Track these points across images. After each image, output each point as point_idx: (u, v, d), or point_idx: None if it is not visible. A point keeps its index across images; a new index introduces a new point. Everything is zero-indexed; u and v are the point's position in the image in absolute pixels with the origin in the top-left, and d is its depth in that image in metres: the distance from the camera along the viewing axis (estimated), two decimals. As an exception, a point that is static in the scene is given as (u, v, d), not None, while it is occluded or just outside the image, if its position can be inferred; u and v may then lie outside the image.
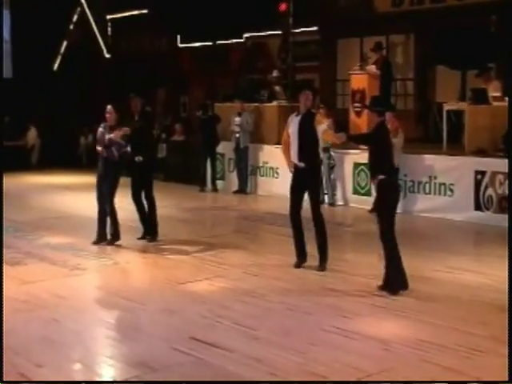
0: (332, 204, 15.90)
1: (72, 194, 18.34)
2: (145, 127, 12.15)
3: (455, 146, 14.99)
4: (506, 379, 5.70)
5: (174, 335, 7.30)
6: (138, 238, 12.08)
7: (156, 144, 12.33)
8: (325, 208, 12.67)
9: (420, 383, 6.05)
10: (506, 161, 13.05)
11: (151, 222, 12.23)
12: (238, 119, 18.25)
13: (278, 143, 17.87)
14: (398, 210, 14.39)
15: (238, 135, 18.17)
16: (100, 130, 11.83)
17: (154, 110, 26.53)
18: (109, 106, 11.83)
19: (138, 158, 11.92)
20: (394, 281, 8.91)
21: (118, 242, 11.74)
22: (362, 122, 15.95)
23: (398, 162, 14.56)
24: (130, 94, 12.15)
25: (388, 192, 9.02)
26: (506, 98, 14.90)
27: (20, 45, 28.01)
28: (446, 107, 15.61)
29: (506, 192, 13.01)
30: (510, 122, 12.66)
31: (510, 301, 6.97)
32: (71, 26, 29.87)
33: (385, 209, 9.17)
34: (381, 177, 8.94)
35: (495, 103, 14.86)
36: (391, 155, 9.09)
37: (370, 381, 6.09)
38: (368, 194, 15.34)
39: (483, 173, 13.49)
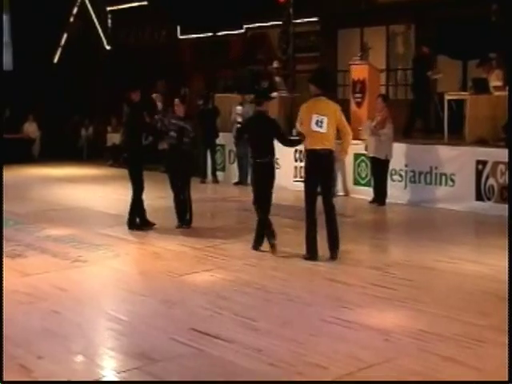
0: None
1: (73, 186, 18.34)
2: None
3: (456, 136, 14.97)
4: (506, 377, 5.67)
5: (174, 326, 7.30)
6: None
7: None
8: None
9: (420, 383, 6.02)
10: (507, 150, 13.03)
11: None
12: (239, 108, 18.22)
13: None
14: (400, 201, 14.64)
15: (239, 126, 18.13)
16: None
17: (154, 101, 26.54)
18: (176, 100, 12.62)
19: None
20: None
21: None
22: (362, 112, 15.94)
23: (386, 152, 14.63)
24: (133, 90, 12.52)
25: (267, 172, 10.51)
26: (508, 88, 14.88)
27: (20, 37, 27.98)
28: (447, 97, 15.58)
29: (508, 182, 12.98)
30: (511, 112, 12.64)
31: (511, 296, 6.95)
32: (71, 18, 29.84)
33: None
34: (259, 160, 10.46)
35: (496, 93, 14.85)
36: (265, 142, 10.46)
37: (365, 381, 6.09)
38: (369, 184, 15.33)
39: (484, 163, 13.46)
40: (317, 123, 9.77)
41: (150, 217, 12.64)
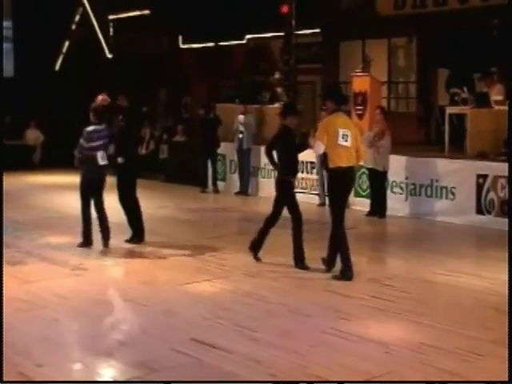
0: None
1: (72, 194, 18.20)
2: (126, 128, 12.11)
3: (457, 150, 14.97)
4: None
5: (174, 336, 7.30)
6: (126, 241, 11.89)
7: (134, 144, 12.38)
8: (325, 210, 12.64)
9: (420, 383, 6.05)
10: (508, 165, 13.07)
11: (138, 225, 12.03)
12: (242, 117, 18.21)
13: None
14: (400, 214, 14.63)
15: (241, 135, 18.12)
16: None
17: (155, 110, 26.59)
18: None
19: (120, 159, 11.91)
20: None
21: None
22: (364, 124, 15.93)
23: (384, 163, 14.60)
24: (118, 96, 12.22)
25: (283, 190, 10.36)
26: (508, 102, 14.90)
27: (22, 44, 28.02)
28: (449, 111, 15.59)
29: (508, 196, 12.99)
30: (511, 126, 12.67)
31: (510, 300, 6.97)
32: (73, 26, 29.88)
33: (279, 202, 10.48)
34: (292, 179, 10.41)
35: (497, 107, 14.87)
36: (289, 157, 10.26)
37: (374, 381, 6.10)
38: (369, 196, 15.31)
39: (485, 176, 13.47)
40: (343, 137, 9.61)
41: (150, 226, 12.58)
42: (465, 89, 16.17)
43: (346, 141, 9.64)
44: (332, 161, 9.71)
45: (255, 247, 10.63)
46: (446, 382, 6.07)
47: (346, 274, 9.59)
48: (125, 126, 12.12)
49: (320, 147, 9.82)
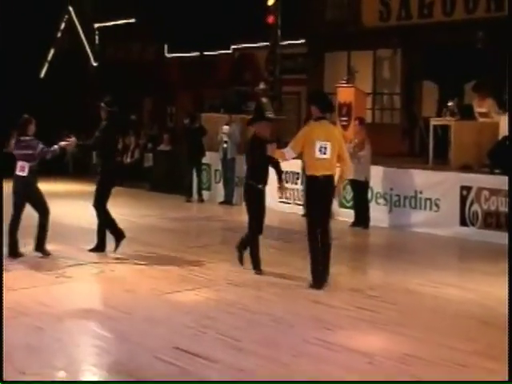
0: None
1: (57, 202, 18.17)
2: (103, 137, 11.98)
3: (441, 161, 15.05)
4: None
5: (158, 345, 7.27)
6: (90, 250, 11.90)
7: (113, 152, 12.38)
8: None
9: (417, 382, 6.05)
10: (492, 177, 13.15)
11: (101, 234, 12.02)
12: (226, 127, 18.24)
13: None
14: (384, 225, 14.65)
15: (225, 145, 18.16)
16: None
17: (140, 118, 26.58)
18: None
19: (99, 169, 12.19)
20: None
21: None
22: (348, 134, 15.96)
23: (365, 174, 14.64)
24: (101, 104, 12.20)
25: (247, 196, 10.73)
26: (493, 115, 14.98)
27: (7, 51, 27.93)
28: (433, 122, 15.66)
29: (492, 208, 13.07)
30: (511, 135, 12.76)
31: (510, 307, 7.00)
32: (59, 34, 29.85)
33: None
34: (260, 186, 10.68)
35: (481, 119, 14.95)
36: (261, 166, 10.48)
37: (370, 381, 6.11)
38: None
39: (469, 188, 13.53)
40: (320, 150, 9.46)
41: (134, 235, 12.55)
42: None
43: (325, 153, 9.51)
44: (308, 169, 9.79)
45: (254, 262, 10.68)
46: (445, 381, 6.08)
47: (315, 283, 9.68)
48: (103, 135, 11.97)
49: (290, 154, 9.75)
